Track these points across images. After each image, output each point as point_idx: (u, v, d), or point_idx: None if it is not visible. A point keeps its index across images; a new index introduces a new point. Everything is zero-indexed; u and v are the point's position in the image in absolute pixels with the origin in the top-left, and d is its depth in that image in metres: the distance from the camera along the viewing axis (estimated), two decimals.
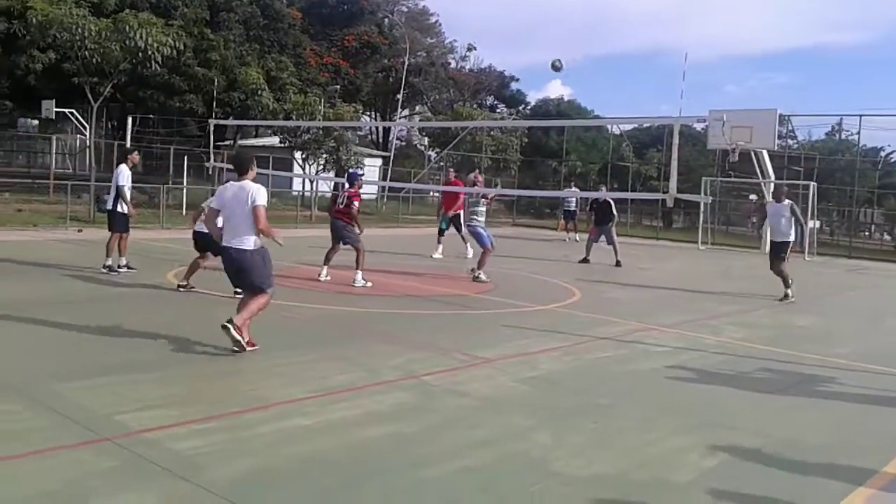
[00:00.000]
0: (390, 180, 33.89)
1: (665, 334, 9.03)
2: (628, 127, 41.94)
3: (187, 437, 4.62)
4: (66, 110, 25.09)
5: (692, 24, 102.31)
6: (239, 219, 6.75)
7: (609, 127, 39.15)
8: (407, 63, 40.31)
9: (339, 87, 37.36)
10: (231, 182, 7.05)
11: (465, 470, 4.44)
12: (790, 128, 32.95)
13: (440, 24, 56.08)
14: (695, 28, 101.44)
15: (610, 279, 14.34)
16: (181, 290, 9.89)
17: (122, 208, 11.12)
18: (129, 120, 18.05)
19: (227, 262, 6.92)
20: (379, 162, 40.38)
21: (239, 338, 6.62)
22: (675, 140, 10.90)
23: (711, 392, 6.64)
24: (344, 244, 11.62)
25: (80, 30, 20.32)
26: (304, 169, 28.81)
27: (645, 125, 41.46)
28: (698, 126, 30.76)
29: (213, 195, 9.72)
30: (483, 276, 12.64)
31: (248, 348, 6.75)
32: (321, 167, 29.72)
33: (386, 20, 47.42)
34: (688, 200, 24.87)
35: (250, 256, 6.78)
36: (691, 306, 11.64)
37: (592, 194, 24.04)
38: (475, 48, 54.83)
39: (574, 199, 24.46)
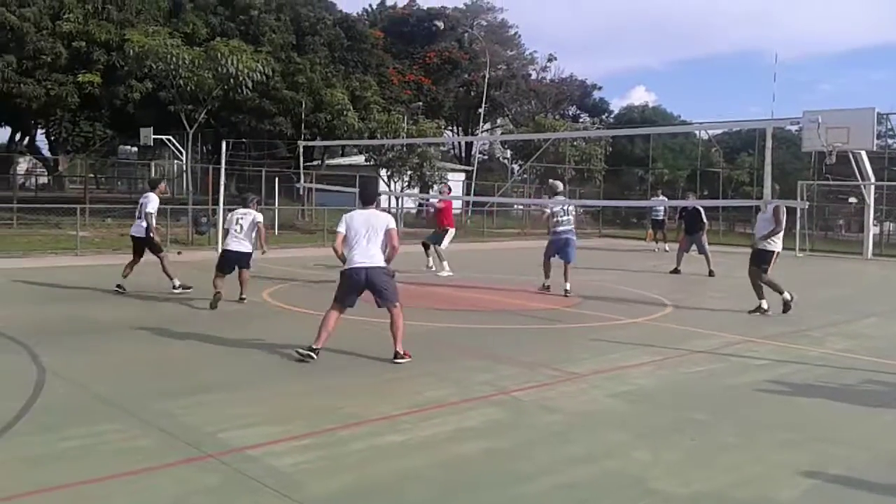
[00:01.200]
0: (474, 194, 33.98)
1: (764, 346, 8.73)
2: (717, 132, 40.83)
3: (286, 454, 4.74)
4: (164, 137, 26.26)
5: (780, 22, 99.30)
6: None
7: (697, 132, 38.24)
8: (487, 77, 40.45)
9: (421, 103, 37.84)
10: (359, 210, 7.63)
11: (562, 486, 4.40)
12: (889, 126, 31.46)
13: (520, 36, 56.08)
14: (783, 27, 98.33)
15: (703, 290, 13.98)
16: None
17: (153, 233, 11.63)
18: (224, 144, 18.66)
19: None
20: (462, 176, 40.59)
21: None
22: (769, 143, 10.57)
23: (815, 406, 6.38)
24: None
25: (174, 59, 21.24)
26: (389, 186, 29.22)
27: (735, 129, 40.32)
28: (792, 128, 29.77)
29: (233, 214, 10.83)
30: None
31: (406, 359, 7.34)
32: (406, 184, 30.11)
33: (466, 35, 47.74)
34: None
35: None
36: (790, 317, 11.20)
37: (681, 203, 23.51)
38: (556, 58, 54.53)
39: (662, 208, 23.96)
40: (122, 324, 9.00)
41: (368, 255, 7.38)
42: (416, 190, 30.81)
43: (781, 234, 11.19)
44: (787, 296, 11.13)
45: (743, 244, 27.72)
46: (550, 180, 13.92)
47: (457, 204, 35.45)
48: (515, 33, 55.73)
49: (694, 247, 16.85)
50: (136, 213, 11.79)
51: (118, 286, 11.47)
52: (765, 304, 11.17)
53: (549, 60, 54.19)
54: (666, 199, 25.13)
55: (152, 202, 11.53)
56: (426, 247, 15.96)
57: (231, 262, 10.78)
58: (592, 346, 8.55)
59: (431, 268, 15.50)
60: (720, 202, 31.26)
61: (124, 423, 5.29)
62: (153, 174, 34.18)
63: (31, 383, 6.18)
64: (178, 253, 18.43)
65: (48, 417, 5.34)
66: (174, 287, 11.53)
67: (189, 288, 11.53)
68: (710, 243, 17.23)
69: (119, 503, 3.99)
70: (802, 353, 8.46)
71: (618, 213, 37.46)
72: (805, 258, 23.33)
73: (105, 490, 4.14)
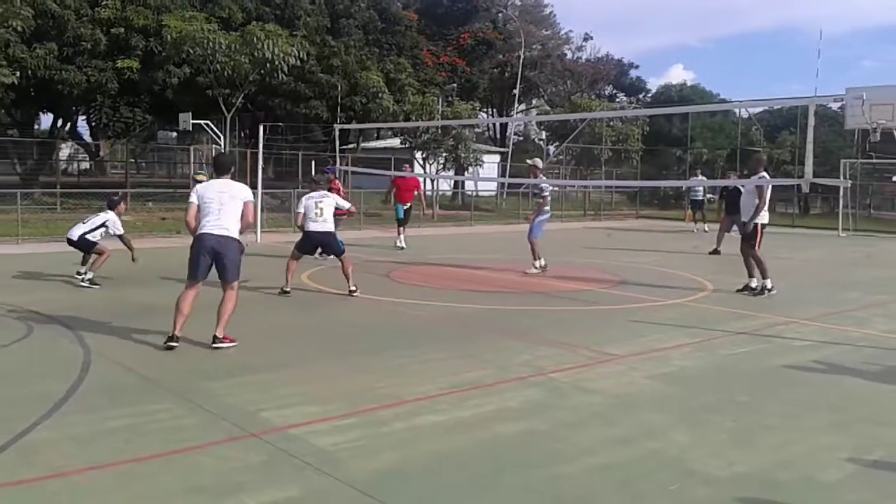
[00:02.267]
0: (509, 176, 33.84)
1: (806, 327, 8.61)
2: (757, 110, 40.09)
3: (327, 433, 4.79)
4: (202, 122, 26.48)
5: None
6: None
7: (737, 111, 37.59)
8: (522, 57, 40.15)
9: (455, 85, 37.67)
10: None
11: (602, 467, 4.40)
12: None
13: (554, 16, 55.48)
14: (826, 1, 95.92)
15: (744, 271, 13.76)
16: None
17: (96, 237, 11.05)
18: (261, 128, 18.81)
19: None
20: (497, 158, 40.44)
21: None
22: (811, 121, 10.38)
23: (859, 388, 6.27)
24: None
25: (211, 44, 21.41)
26: (424, 168, 29.23)
27: (776, 107, 39.56)
28: (834, 105, 29.11)
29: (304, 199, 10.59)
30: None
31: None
32: (441, 166, 30.08)
33: (500, 15, 47.36)
34: (825, 185, 23.61)
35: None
36: (833, 297, 11.03)
37: (720, 182, 23.18)
38: (591, 37, 53.84)
39: (701, 188, 23.64)
40: (164, 306, 9.13)
41: (220, 225, 7.08)
42: (451, 172, 30.77)
43: (766, 207, 11.02)
44: (767, 283, 10.86)
45: (784, 224, 27.34)
46: (536, 160, 13.91)
47: (492, 186, 35.40)
48: (550, 13, 55.20)
49: (735, 227, 16.62)
50: (87, 221, 11.23)
51: (79, 274, 11.01)
52: (754, 283, 11.03)
53: (585, 40, 53.57)
54: (705, 179, 24.78)
55: (117, 224, 11.12)
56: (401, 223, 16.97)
57: (315, 243, 10.59)
58: (631, 327, 8.49)
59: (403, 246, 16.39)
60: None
61: (168, 402, 5.39)
62: (192, 158, 34.60)
63: (77, 364, 6.32)
64: None
65: (94, 398, 5.47)
66: (84, 277, 10.90)
67: (97, 285, 10.85)
68: None
69: (164, 481, 4.07)
70: (846, 334, 8.31)
71: (655, 194, 37.05)
72: (848, 237, 22.90)
73: (150, 468, 4.23)
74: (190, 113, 26.04)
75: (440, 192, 31.79)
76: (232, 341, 7.09)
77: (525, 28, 45.02)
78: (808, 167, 10.24)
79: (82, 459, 4.31)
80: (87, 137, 36.87)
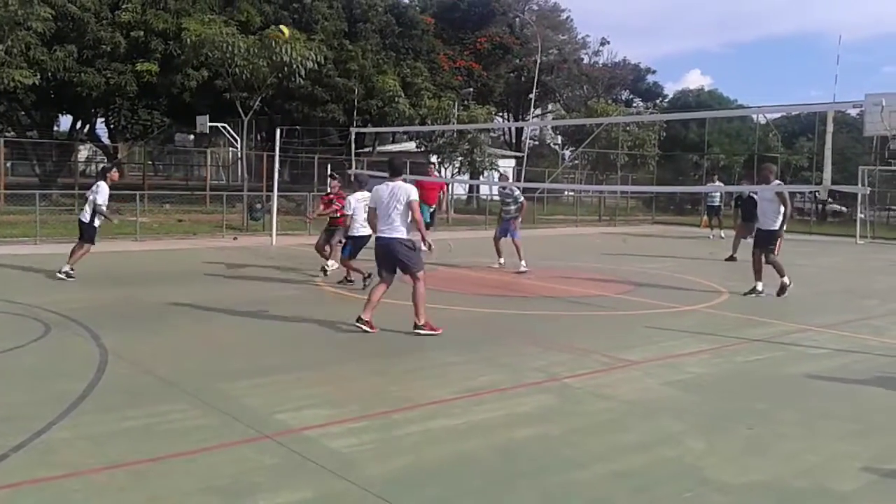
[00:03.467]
0: (524, 180, 33.80)
1: (823, 335, 8.54)
2: (775, 115, 39.85)
3: (342, 436, 4.81)
4: (219, 124, 26.63)
5: (842, 3, 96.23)
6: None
7: (754, 116, 37.35)
8: (539, 62, 40.08)
9: (472, 89, 37.67)
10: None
11: (617, 474, 4.38)
12: None
13: (572, 20, 55.26)
14: (845, 8, 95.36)
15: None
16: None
17: (97, 221, 11.54)
18: (277, 132, 18.90)
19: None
20: (512, 162, 40.39)
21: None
22: (829, 127, 10.30)
23: (877, 396, 6.22)
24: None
25: (230, 48, 21.53)
26: (439, 172, 29.24)
27: (794, 113, 39.27)
28: (853, 112, 28.85)
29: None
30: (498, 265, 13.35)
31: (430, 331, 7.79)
32: (456, 170, 30.09)
33: (517, 20, 47.35)
34: (843, 192, 23.41)
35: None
36: (851, 305, 10.94)
37: (736, 188, 23.06)
38: (608, 42, 53.77)
39: (718, 194, 23.52)
40: (180, 307, 9.22)
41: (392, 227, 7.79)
42: (467, 176, 30.77)
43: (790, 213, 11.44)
44: (786, 280, 11.08)
45: (800, 230, 27.15)
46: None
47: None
48: (567, 17, 55.01)
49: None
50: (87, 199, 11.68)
51: (66, 273, 11.20)
52: (760, 286, 11.16)
53: (602, 44, 53.38)
54: (722, 185, 24.65)
55: (102, 193, 11.42)
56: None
57: (361, 246, 10.67)
58: (646, 333, 8.46)
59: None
60: (778, 187, 30.51)
61: (184, 403, 5.43)
62: (209, 161, 34.79)
63: (94, 364, 6.37)
64: (234, 238, 18.78)
65: (111, 397, 5.51)
66: (66, 272, 11.18)
67: (72, 277, 11.15)
68: None
69: (179, 481, 4.10)
70: (863, 342, 8.24)
71: (672, 200, 36.88)
72: (866, 245, 22.70)
73: (166, 468, 4.26)
74: (207, 116, 26.20)
75: (455, 196, 31.79)
76: (433, 329, 7.75)
77: (542, 32, 44.91)
78: (827, 174, 10.16)
79: (99, 459, 4.34)
80: (106, 139, 37.14)
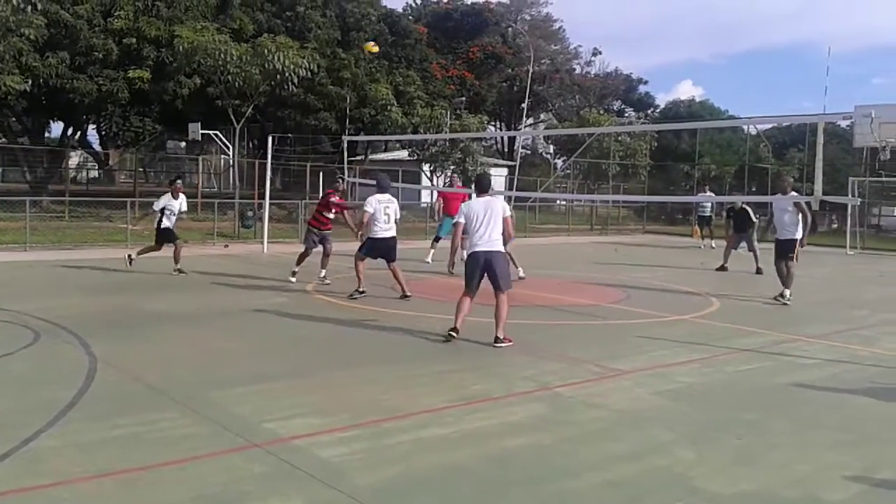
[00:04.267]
0: (516, 190, 33.86)
1: (813, 345, 8.56)
2: (766, 126, 40.07)
3: (332, 445, 4.79)
4: (211, 132, 26.67)
5: (833, 14, 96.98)
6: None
7: (745, 127, 37.56)
8: (531, 71, 40.20)
9: (464, 98, 37.75)
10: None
11: (607, 484, 4.38)
12: None
13: (564, 31, 55.57)
14: (836, 19, 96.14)
15: (751, 288, 13.74)
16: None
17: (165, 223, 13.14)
18: (269, 139, 18.89)
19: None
20: (505, 171, 40.45)
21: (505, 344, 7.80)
22: (820, 139, 10.35)
23: (867, 406, 6.23)
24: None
25: (222, 55, 21.53)
26: (431, 181, 29.27)
27: (784, 124, 39.50)
28: (843, 123, 29.05)
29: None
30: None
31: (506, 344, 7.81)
32: (448, 179, 30.11)
33: (509, 30, 47.52)
34: (834, 203, 23.52)
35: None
36: (841, 315, 10.98)
37: (727, 198, 23.16)
38: (600, 52, 53.88)
39: (709, 205, 23.62)
40: (170, 315, 9.18)
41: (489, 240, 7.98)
42: (459, 184, 30.78)
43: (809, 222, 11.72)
44: (787, 293, 11.47)
45: None
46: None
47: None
48: (560, 27, 55.30)
49: (743, 244, 16.65)
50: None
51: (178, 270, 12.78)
52: (787, 293, 11.47)
53: (594, 55, 53.70)
54: (713, 195, 24.75)
55: (160, 201, 13.26)
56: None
57: (382, 249, 10.65)
58: (637, 343, 8.47)
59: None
60: (769, 198, 30.62)
61: (174, 411, 5.40)
62: (201, 168, 34.73)
63: (82, 372, 6.34)
64: (225, 246, 18.73)
65: (100, 406, 5.48)
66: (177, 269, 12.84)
67: (183, 273, 12.74)
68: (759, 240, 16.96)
69: (168, 490, 4.07)
70: (853, 352, 8.27)
71: (663, 210, 36.99)
72: (856, 256, 22.81)
73: (155, 477, 4.23)
74: (199, 123, 26.20)
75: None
76: (510, 341, 7.80)
77: (534, 42, 45.10)
78: (818, 185, 10.21)
79: (87, 467, 4.31)
80: (97, 146, 37.07)
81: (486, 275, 8.00)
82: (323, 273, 12.18)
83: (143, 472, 4.27)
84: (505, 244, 8.15)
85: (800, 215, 11.37)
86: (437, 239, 16.01)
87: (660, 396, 6.23)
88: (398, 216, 10.90)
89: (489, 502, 4.08)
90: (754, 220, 16.86)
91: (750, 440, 5.21)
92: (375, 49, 20.24)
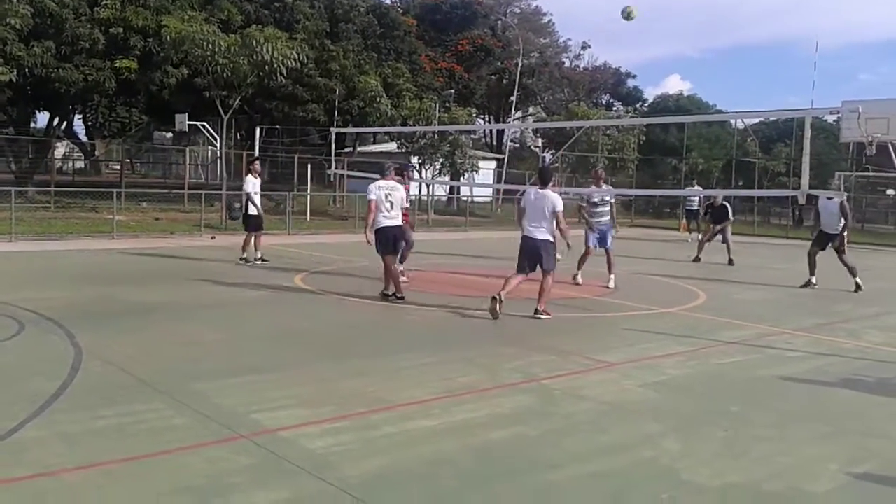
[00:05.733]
0: (505, 182, 33.86)
1: (798, 338, 8.62)
2: (754, 121, 40.14)
3: (319, 436, 4.78)
4: (198, 123, 26.47)
5: (820, 10, 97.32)
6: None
7: (733, 122, 37.69)
8: (520, 64, 40.19)
9: (453, 91, 37.70)
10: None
11: (593, 475, 4.39)
12: None
13: (553, 24, 55.50)
14: (823, 15, 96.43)
15: (737, 280, 13.82)
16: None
17: (252, 210, 13.39)
18: (257, 131, 18.80)
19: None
20: (493, 164, 40.45)
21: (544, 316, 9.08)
22: (807, 133, 10.42)
23: (851, 399, 6.28)
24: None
25: (210, 46, 21.37)
26: (420, 173, 29.22)
27: (771, 119, 39.67)
28: (830, 118, 29.22)
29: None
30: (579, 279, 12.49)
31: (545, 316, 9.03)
32: (437, 171, 30.10)
33: (499, 22, 47.45)
34: (817, 198, 23.60)
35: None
36: (826, 308, 11.06)
37: (712, 192, 23.28)
38: (589, 46, 54.07)
39: (696, 198, 23.72)
40: (156, 306, 9.13)
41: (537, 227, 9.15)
42: (447, 177, 30.79)
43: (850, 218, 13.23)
44: (859, 280, 12.73)
45: (778, 235, 27.40)
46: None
47: (487, 192, 35.43)
48: (549, 21, 55.25)
49: (719, 237, 17.30)
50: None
51: (258, 258, 13.32)
52: (814, 280, 12.66)
53: (583, 48, 53.72)
54: (701, 189, 24.83)
55: (248, 183, 13.50)
56: None
57: (390, 239, 9.89)
58: (624, 335, 8.50)
59: None
60: (755, 192, 30.80)
61: (159, 403, 5.37)
62: (188, 160, 34.54)
63: (67, 363, 6.29)
64: (212, 237, 18.65)
65: (85, 397, 5.44)
66: (239, 258, 13.36)
67: (254, 262, 13.18)
68: (743, 234, 17.33)
69: (154, 481, 4.05)
70: (838, 345, 8.33)
71: (651, 203, 37.10)
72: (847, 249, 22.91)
73: (140, 468, 4.21)
74: (186, 114, 26.02)
75: (435, 198, 31.78)
76: (548, 314, 9.08)
77: (524, 35, 45.08)
78: (805, 179, 10.28)
79: (72, 458, 4.28)
80: (83, 136, 36.81)
81: (533, 258, 9.15)
82: (401, 268, 11.03)
83: (128, 464, 4.25)
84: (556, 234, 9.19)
85: (841, 216, 12.69)
86: None
87: (646, 389, 6.25)
88: (406, 204, 10.46)
89: (476, 494, 4.08)
90: (731, 218, 17.60)
91: (735, 432, 5.24)
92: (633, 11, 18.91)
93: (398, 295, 9.90)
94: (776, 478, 4.44)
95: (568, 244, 9.40)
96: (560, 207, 9.10)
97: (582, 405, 5.75)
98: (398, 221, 10.00)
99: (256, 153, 18.36)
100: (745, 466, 4.60)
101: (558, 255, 9.36)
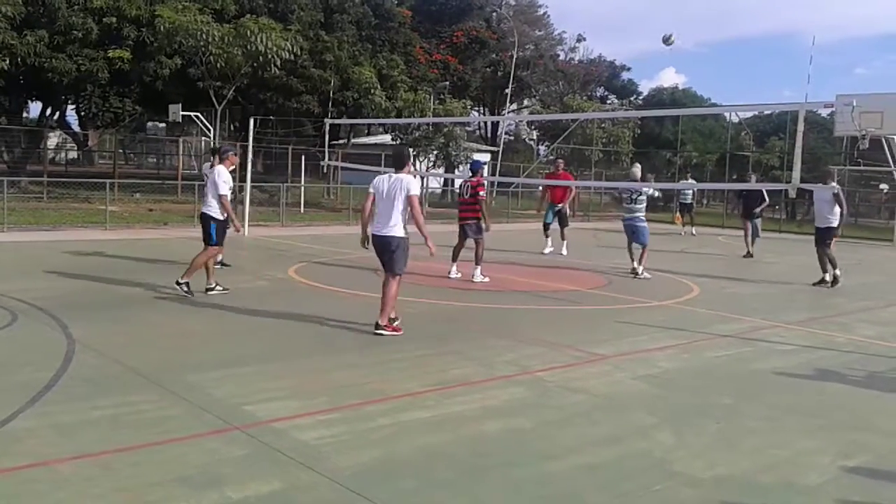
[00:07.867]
0: (499, 175, 33.85)
1: (791, 332, 8.65)
2: (748, 115, 40.27)
3: (311, 428, 4.78)
4: (192, 113, 26.33)
5: (816, 5, 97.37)
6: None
7: (727, 115, 37.74)
8: (515, 57, 40.11)
9: (448, 83, 37.60)
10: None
11: (585, 467, 4.40)
12: None
13: (548, 16, 55.30)
14: (819, 9, 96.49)
15: (730, 274, 13.85)
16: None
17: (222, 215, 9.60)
18: (251, 122, 18.73)
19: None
20: (488, 157, 40.41)
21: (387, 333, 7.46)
22: (800, 127, 10.42)
23: (843, 392, 6.32)
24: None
25: (204, 36, 21.30)
26: (414, 165, 29.17)
27: (766, 112, 39.71)
28: (824, 112, 29.23)
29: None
30: (647, 274, 12.51)
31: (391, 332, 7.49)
32: (431, 163, 30.06)
33: (494, 15, 47.30)
34: (813, 191, 23.68)
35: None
36: (818, 302, 11.10)
37: (709, 185, 23.32)
38: (584, 39, 53.78)
39: (690, 192, 23.76)
40: (150, 297, 9.11)
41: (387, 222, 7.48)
42: (441, 169, 30.75)
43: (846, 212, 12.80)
44: (837, 273, 12.37)
45: (770, 229, 27.42)
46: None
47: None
48: (544, 13, 55.11)
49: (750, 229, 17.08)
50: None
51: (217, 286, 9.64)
52: (828, 277, 12.34)
53: (578, 41, 53.58)
54: (695, 183, 24.87)
55: (219, 176, 9.43)
56: (546, 227, 16.14)
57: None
58: (618, 328, 8.51)
59: (563, 253, 15.54)
60: (748, 186, 30.78)
61: (153, 394, 5.36)
62: (181, 150, 34.41)
63: (60, 354, 6.28)
64: None
65: (78, 387, 5.43)
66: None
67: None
68: (737, 227, 17.22)
69: (147, 472, 4.05)
70: (830, 339, 8.36)
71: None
72: (835, 243, 22.98)
73: (133, 459, 4.20)
74: (180, 105, 25.89)
75: (430, 190, 31.73)
76: (395, 331, 7.51)
77: (519, 28, 44.97)
78: (796, 173, 10.29)
79: (65, 449, 4.28)
80: (76, 127, 36.60)
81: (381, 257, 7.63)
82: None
83: (121, 454, 4.24)
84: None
85: (837, 206, 12.21)
86: (546, 226, 16.08)
87: (640, 381, 6.27)
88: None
89: (468, 485, 4.08)
90: (766, 199, 17.59)
91: (727, 425, 5.26)
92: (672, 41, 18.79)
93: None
94: (768, 470, 4.46)
95: (429, 245, 7.64)
96: (415, 191, 7.41)
97: (575, 397, 5.77)
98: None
99: (250, 144, 18.24)
100: (738, 459, 4.62)
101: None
